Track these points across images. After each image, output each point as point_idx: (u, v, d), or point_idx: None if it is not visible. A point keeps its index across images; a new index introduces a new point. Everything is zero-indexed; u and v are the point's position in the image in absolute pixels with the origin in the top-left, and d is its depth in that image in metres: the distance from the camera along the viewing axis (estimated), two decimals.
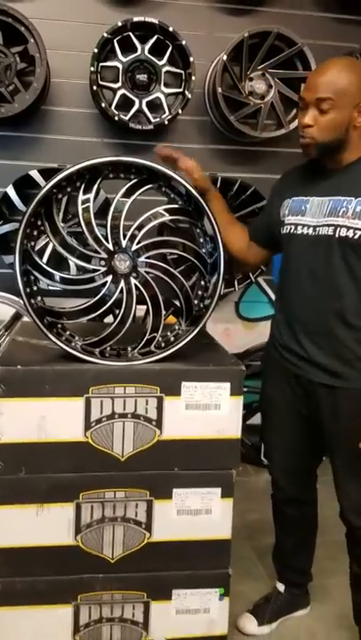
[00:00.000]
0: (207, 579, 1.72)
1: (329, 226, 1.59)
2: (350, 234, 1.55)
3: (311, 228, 1.63)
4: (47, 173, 2.86)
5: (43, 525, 1.63)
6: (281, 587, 1.96)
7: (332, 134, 1.56)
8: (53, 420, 1.59)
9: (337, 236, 1.57)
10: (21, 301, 2.91)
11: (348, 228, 1.55)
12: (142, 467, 1.64)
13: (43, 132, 3.04)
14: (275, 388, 1.77)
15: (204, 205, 1.69)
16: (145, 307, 1.74)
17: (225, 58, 2.86)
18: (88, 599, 1.68)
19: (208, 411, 1.65)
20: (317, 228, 1.62)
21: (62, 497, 1.62)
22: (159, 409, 1.63)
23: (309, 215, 1.64)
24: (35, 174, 2.85)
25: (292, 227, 1.68)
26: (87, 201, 1.70)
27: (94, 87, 2.84)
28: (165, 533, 1.68)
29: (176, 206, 1.76)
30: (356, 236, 1.54)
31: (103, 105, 2.83)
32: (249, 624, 1.88)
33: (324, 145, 1.57)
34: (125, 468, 1.64)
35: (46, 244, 2.51)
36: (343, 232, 1.56)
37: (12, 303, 2.88)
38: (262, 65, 2.98)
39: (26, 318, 2.82)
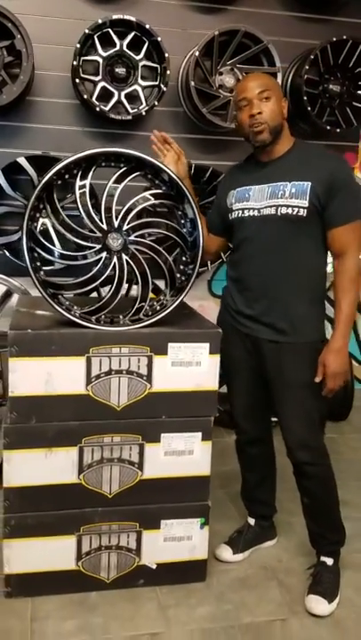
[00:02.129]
0: (190, 510, 2.02)
1: (271, 207, 1.89)
2: (290, 211, 1.86)
3: (256, 211, 1.93)
4: (33, 160, 3.07)
5: (50, 467, 1.89)
6: (251, 520, 2.27)
7: (278, 118, 1.89)
8: (59, 376, 1.85)
9: (279, 214, 1.88)
10: (12, 280, 3.16)
11: (288, 206, 1.87)
12: (135, 415, 1.92)
13: (28, 121, 3.24)
14: (230, 346, 2.05)
15: (186, 190, 1.96)
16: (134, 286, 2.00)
17: (197, 54, 3.10)
18: (89, 530, 1.96)
19: (190, 367, 1.94)
20: (262, 210, 1.91)
21: (67, 442, 1.89)
22: (149, 366, 1.91)
23: (253, 200, 1.94)
24: (22, 161, 3.05)
25: (240, 211, 1.98)
26: (84, 186, 1.95)
27: (76, 80, 3.05)
28: (155, 472, 1.96)
29: (160, 191, 2.02)
30: (295, 212, 1.86)
31: (85, 96, 3.05)
32: (225, 553, 2.19)
33: (274, 128, 1.89)
34: (121, 416, 1.91)
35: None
36: (283, 210, 1.87)
37: (3, 282, 3.09)
38: (231, 60, 3.24)
39: (16, 295, 3.06)
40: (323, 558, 2.04)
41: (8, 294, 3.11)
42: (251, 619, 1.91)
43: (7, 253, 3.09)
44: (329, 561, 2.03)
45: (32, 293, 2.90)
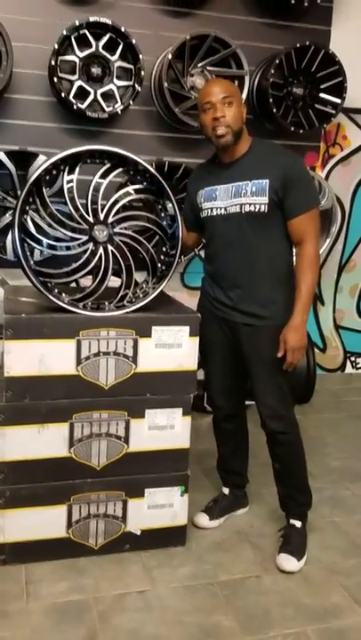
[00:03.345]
0: (171, 479, 2.20)
1: (236, 205, 2.09)
2: (253, 208, 2.05)
3: (223, 209, 2.12)
4: (12, 155, 3.19)
5: (43, 441, 2.04)
6: (226, 490, 2.46)
7: (239, 122, 2.06)
8: (51, 357, 2.00)
9: (243, 211, 2.07)
10: None
11: (250, 204, 2.06)
12: (122, 393, 2.09)
13: (5, 117, 3.33)
14: (209, 330, 2.23)
15: (165, 186, 2.13)
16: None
17: (170, 56, 3.26)
18: (79, 499, 2.11)
19: (172, 349, 2.11)
20: (228, 208, 2.10)
21: (58, 418, 2.05)
22: (135, 348, 2.08)
23: (220, 200, 2.13)
24: (1, 156, 3.16)
25: (209, 210, 2.17)
26: (71, 181, 2.10)
27: (54, 78, 3.17)
28: (139, 445, 2.14)
29: (142, 186, 2.18)
30: (257, 209, 2.05)
31: (63, 95, 3.17)
32: (202, 519, 2.38)
33: (236, 131, 2.06)
34: (109, 394, 2.08)
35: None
36: (247, 208, 2.06)
37: None
38: (202, 63, 3.40)
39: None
40: (292, 521, 2.25)
41: None
42: (228, 576, 2.11)
43: None
44: (297, 523, 2.24)
45: (10, 283, 3.02)
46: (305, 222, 2.05)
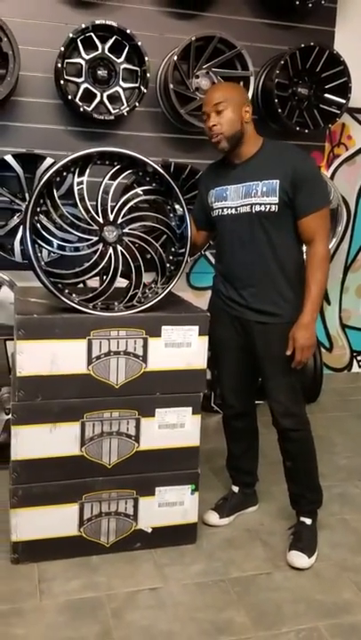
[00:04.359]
0: (182, 477, 2.21)
1: (246, 205, 2.11)
2: (263, 208, 2.07)
3: (233, 209, 2.14)
4: (20, 158, 3.21)
5: (55, 440, 2.06)
6: (235, 488, 2.48)
7: (233, 127, 2.06)
8: (62, 357, 2.02)
9: (254, 211, 2.09)
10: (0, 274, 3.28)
11: (260, 204, 2.08)
12: (132, 392, 2.11)
13: (12, 120, 3.36)
14: (221, 328, 2.25)
15: (175, 187, 2.15)
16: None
17: (175, 58, 3.28)
18: (90, 498, 2.13)
19: (182, 348, 2.13)
20: (238, 208, 2.13)
21: (70, 417, 2.07)
22: (145, 347, 2.10)
23: (230, 200, 2.15)
24: (9, 159, 3.18)
25: (220, 210, 2.19)
26: (81, 183, 2.12)
27: (61, 81, 3.19)
28: (150, 443, 2.15)
29: (151, 187, 2.20)
30: (267, 209, 2.07)
31: (69, 97, 3.19)
32: (212, 517, 2.39)
33: (230, 137, 2.08)
34: (119, 393, 2.10)
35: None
36: (257, 207, 2.08)
37: None
38: (207, 64, 3.42)
39: (5, 288, 3.20)
40: (302, 518, 2.26)
41: None
42: (239, 573, 2.12)
43: None
44: (308, 521, 2.25)
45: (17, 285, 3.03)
46: (315, 221, 2.06)
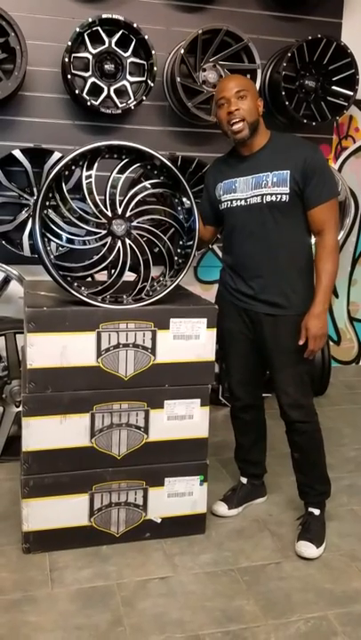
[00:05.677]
0: (191, 468, 2.23)
1: (257, 196, 2.11)
2: (274, 198, 2.08)
3: (243, 200, 2.15)
4: (28, 152, 3.23)
5: (65, 432, 2.09)
6: (244, 480, 2.49)
7: (254, 114, 2.09)
8: (72, 349, 2.04)
9: (265, 202, 2.10)
10: (9, 268, 3.31)
11: (271, 194, 2.09)
12: (141, 384, 2.13)
13: (20, 114, 3.38)
14: (229, 321, 2.26)
15: (182, 180, 2.16)
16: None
17: (182, 51, 3.28)
18: (100, 488, 2.16)
19: (190, 340, 2.15)
20: (248, 199, 2.13)
21: (80, 409, 2.09)
22: (153, 339, 2.11)
23: (240, 191, 2.16)
24: (17, 153, 3.20)
25: (229, 202, 2.19)
26: (90, 177, 2.13)
27: (68, 75, 3.20)
28: (159, 435, 2.17)
29: (159, 180, 2.22)
30: (278, 199, 2.08)
31: (77, 92, 3.20)
32: (221, 508, 2.41)
33: (252, 123, 2.09)
34: (128, 385, 2.11)
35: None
36: (268, 198, 2.09)
37: (1, 269, 3.23)
38: (214, 57, 3.42)
39: (14, 282, 3.22)
40: (310, 509, 2.28)
41: (6, 281, 3.26)
42: (248, 563, 2.14)
43: (4, 242, 3.24)
44: (316, 511, 2.27)
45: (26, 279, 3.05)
46: (325, 212, 2.07)
